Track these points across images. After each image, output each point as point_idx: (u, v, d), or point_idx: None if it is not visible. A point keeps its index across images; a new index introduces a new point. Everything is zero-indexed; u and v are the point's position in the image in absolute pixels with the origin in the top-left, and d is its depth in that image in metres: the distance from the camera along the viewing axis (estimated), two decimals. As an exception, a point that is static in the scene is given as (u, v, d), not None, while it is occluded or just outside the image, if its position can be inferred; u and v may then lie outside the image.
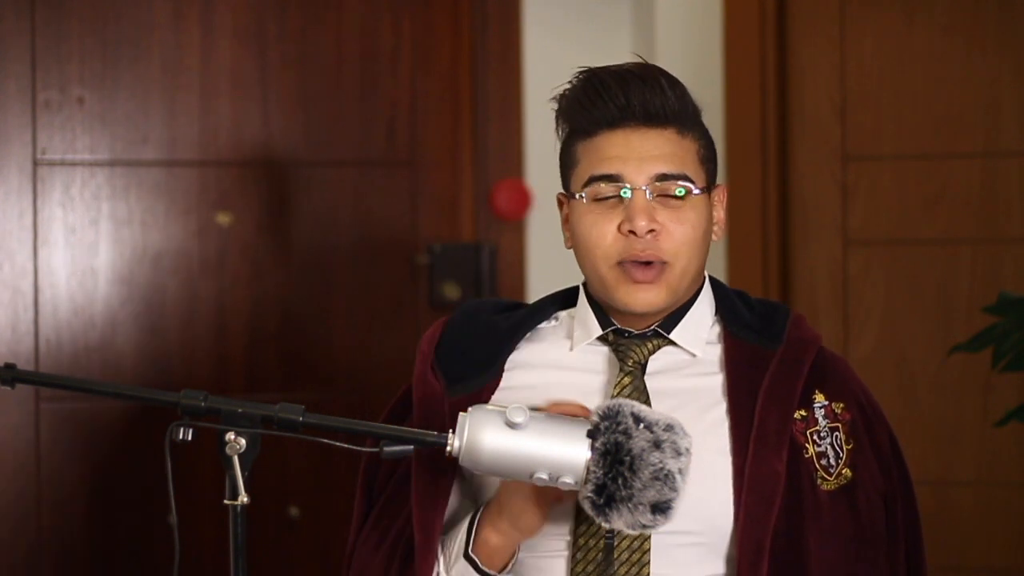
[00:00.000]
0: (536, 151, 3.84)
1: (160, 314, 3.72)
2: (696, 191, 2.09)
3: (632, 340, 2.13)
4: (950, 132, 3.68)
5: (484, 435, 1.86)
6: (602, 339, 2.15)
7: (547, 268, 3.82)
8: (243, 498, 1.83)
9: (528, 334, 2.19)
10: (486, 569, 2.03)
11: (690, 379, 2.13)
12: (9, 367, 1.89)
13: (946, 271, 3.68)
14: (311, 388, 3.78)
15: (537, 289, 3.78)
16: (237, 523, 1.84)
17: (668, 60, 3.72)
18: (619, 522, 1.85)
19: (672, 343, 2.13)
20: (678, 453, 1.86)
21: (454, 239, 3.87)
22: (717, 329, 2.17)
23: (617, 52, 3.95)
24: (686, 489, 1.87)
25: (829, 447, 2.09)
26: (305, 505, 3.78)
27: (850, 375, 2.17)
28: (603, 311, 2.14)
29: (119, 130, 3.72)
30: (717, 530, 2.05)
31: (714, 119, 3.75)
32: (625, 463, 1.84)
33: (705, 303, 2.17)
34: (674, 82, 2.12)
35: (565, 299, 2.23)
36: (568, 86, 2.13)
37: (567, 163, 2.14)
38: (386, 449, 1.89)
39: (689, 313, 2.14)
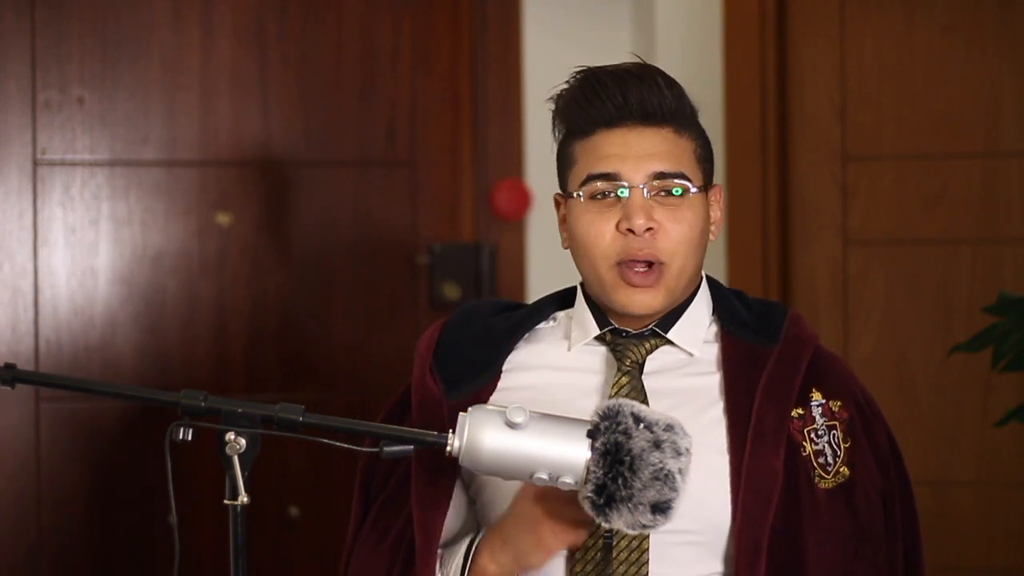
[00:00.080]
0: (536, 151, 3.84)
1: (160, 314, 3.72)
2: (693, 190, 2.10)
3: (630, 340, 2.13)
4: (950, 132, 3.68)
5: (484, 435, 1.86)
6: (600, 339, 2.15)
7: (547, 268, 3.82)
8: (243, 498, 1.83)
9: (526, 335, 2.20)
10: None
11: (687, 378, 2.13)
12: (9, 367, 1.89)
13: (946, 271, 3.68)
14: (311, 388, 3.78)
15: (537, 289, 3.78)
16: (237, 523, 1.84)
17: (668, 60, 3.73)
18: (619, 522, 1.85)
19: (669, 342, 2.14)
20: (678, 453, 1.86)
21: (454, 239, 3.87)
22: (714, 328, 2.17)
23: (617, 52, 3.95)
24: (685, 489, 1.87)
25: (827, 445, 2.09)
26: (305, 505, 3.78)
27: (848, 374, 2.17)
28: (600, 311, 2.15)
29: (119, 130, 3.72)
30: (715, 529, 2.05)
31: (714, 119, 3.76)
32: (625, 463, 1.84)
33: (702, 302, 2.17)
34: (671, 82, 2.13)
35: (563, 300, 2.23)
36: (565, 86, 2.14)
37: (564, 163, 2.14)
38: (386, 449, 1.89)
39: (686, 313, 2.15)
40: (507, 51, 3.88)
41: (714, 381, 2.13)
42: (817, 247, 3.75)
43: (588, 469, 1.85)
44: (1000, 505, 3.64)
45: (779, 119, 3.75)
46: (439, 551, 2.11)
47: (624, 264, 2.08)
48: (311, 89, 3.81)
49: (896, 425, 2.20)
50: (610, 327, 2.14)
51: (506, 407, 1.88)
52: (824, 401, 2.12)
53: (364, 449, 1.96)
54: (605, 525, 1.88)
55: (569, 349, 2.17)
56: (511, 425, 1.86)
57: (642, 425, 1.86)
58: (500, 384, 2.15)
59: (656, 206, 2.08)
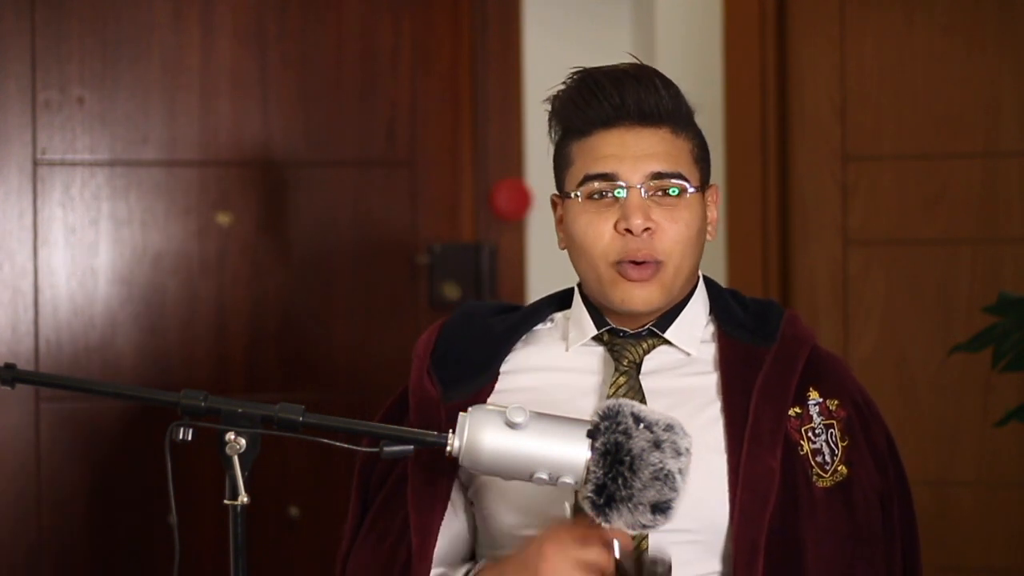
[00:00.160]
0: (536, 151, 3.84)
1: (160, 314, 3.72)
2: (691, 190, 2.10)
3: (627, 340, 2.13)
4: (950, 132, 3.68)
5: (484, 435, 1.87)
6: (597, 339, 2.16)
7: (547, 268, 3.82)
8: (243, 498, 1.83)
9: (524, 337, 2.20)
10: None
11: (685, 378, 2.13)
12: (9, 367, 1.89)
13: (946, 271, 3.68)
14: (311, 388, 3.78)
15: (537, 289, 3.78)
16: (237, 523, 1.84)
17: (668, 60, 3.73)
18: (619, 522, 1.85)
19: (667, 342, 2.14)
20: (678, 453, 1.86)
21: (454, 239, 3.87)
22: (711, 328, 2.18)
23: (617, 52, 3.95)
24: (685, 489, 1.87)
25: (824, 444, 2.10)
26: (305, 505, 3.78)
27: (845, 373, 2.18)
28: (598, 311, 2.15)
29: (119, 130, 3.72)
30: (713, 528, 2.06)
31: (714, 119, 3.75)
32: (625, 463, 1.84)
33: (699, 302, 2.18)
34: (668, 83, 2.13)
35: (561, 301, 2.23)
36: (562, 87, 2.14)
37: (561, 163, 2.15)
38: (386, 449, 1.89)
39: (683, 312, 2.15)
40: (507, 51, 3.88)
41: (711, 381, 2.13)
42: (817, 247, 3.75)
43: (588, 469, 1.85)
44: (1000, 505, 3.64)
45: (779, 119, 3.75)
46: (443, 572, 2.11)
47: (622, 263, 2.08)
48: (311, 89, 3.81)
49: (896, 425, 2.21)
50: (607, 327, 2.14)
51: (506, 407, 1.88)
52: (821, 400, 2.12)
53: (364, 449, 1.96)
54: (605, 525, 1.88)
55: (567, 350, 2.17)
56: (511, 425, 1.86)
57: (642, 425, 1.86)
58: (498, 386, 2.16)
59: (653, 206, 2.08)
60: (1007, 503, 3.64)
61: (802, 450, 2.08)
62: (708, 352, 2.16)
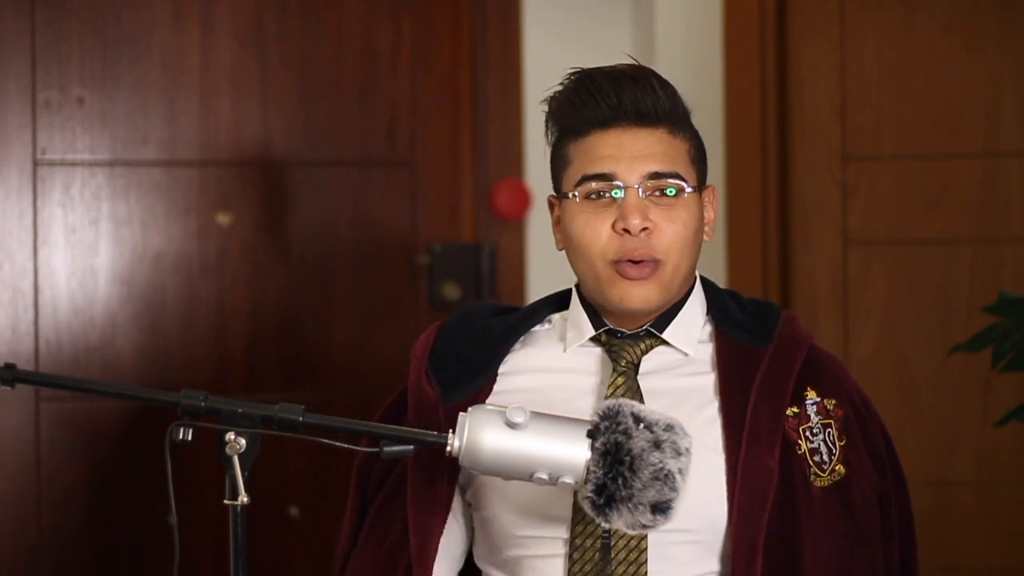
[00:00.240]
0: (536, 151, 3.84)
1: (160, 314, 3.72)
2: (688, 190, 2.11)
3: (625, 340, 2.14)
4: (950, 132, 3.68)
5: (484, 435, 1.87)
6: (595, 340, 2.16)
7: (547, 268, 3.82)
8: (243, 498, 1.83)
9: (522, 338, 2.20)
10: None
11: (683, 378, 2.13)
12: (9, 367, 1.89)
13: (946, 271, 3.68)
14: (311, 388, 3.78)
15: (537, 289, 3.78)
16: (237, 523, 1.84)
17: (668, 60, 3.73)
18: (619, 522, 1.85)
19: (664, 343, 2.14)
20: (678, 453, 1.86)
21: (454, 239, 3.87)
22: (709, 328, 2.18)
23: (617, 52, 3.95)
24: (685, 489, 1.87)
25: (822, 443, 2.10)
26: (305, 505, 3.78)
27: (842, 373, 2.18)
28: (596, 312, 2.15)
29: (119, 130, 3.72)
30: (713, 528, 2.06)
31: (714, 119, 3.75)
32: (625, 463, 1.84)
33: (696, 302, 2.18)
34: (665, 83, 2.14)
35: (559, 302, 2.24)
36: (559, 88, 2.14)
37: (559, 164, 2.15)
38: (386, 449, 1.89)
39: (681, 313, 2.15)
40: (507, 51, 3.88)
41: (709, 381, 2.13)
42: (817, 247, 3.75)
43: (588, 469, 1.85)
44: (1000, 505, 3.64)
45: (779, 119, 3.75)
46: None
47: (621, 262, 2.08)
48: (311, 89, 3.81)
49: (896, 425, 2.21)
50: (605, 328, 2.14)
51: (506, 407, 1.88)
52: (819, 399, 2.12)
53: (363, 449, 1.96)
54: (605, 525, 1.88)
55: (564, 351, 2.18)
56: (511, 425, 1.86)
57: (642, 425, 1.86)
58: (496, 387, 2.16)
59: (651, 206, 2.08)
60: (1007, 503, 3.64)
61: (800, 450, 2.09)
62: (706, 352, 2.16)
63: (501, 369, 2.17)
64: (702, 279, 2.22)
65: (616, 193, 2.08)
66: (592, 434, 1.87)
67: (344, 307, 3.82)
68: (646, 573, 2.04)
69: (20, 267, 3.66)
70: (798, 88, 3.77)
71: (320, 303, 3.81)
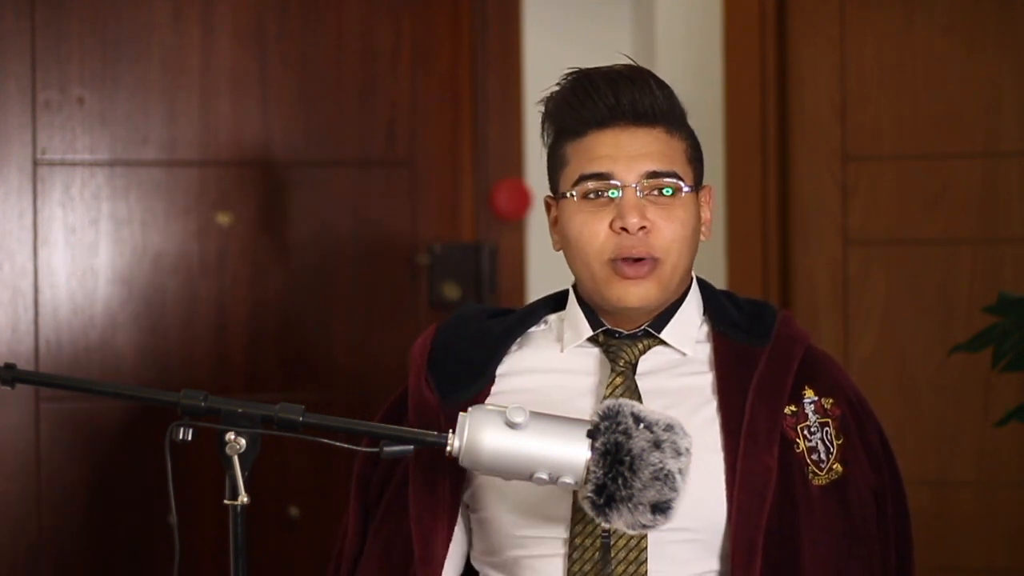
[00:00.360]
0: (536, 151, 3.83)
1: (160, 314, 3.72)
2: (685, 189, 2.11)
3: (623, 340, 2.14)
4: (950, 132, 3.68)
5: (484, 435, 1.87)
6: (592, 340, 2.16)
7: (547, 268, 3.82)
8: (243, 498, 1.84)
9: (519, 339, 2.21)
10: None
11: (681, 378, 2.14)
12: (9, 367, 1.89)
13: (946, 271, 3.68)
14: (311, 388, 3.78)
15: (537, 289, 3.78)
16: (237, 523, 1.84)
17: (668, 60, 3.73)
18: (619, 522, 1.85)
19: (662, 343, 2.15)
20: (678, 453, 1.86)
21: (454, 239, 3.87)
22: (706, 328, 2.19)
23: (617, 52, 3.95)
24: (685, 488, 1.87)
25: (819, 442, 2.11)
26: (305, 505, 3.78)
27: (839, 372, 2.19)
28: (593, 312, 2.15)
29: (119, 130, 3.72)
30: (712, 527, 2.06)
31: (714, 119, 3.75)
32: (625, 463, 1.84)
33: (693, 303, 2.18)
34: (662, 83, 2.14)
35: (555, 303, 2.24)
36: (555, 88, 2.15)
37: (556, 164, 2.16)
38: (386, 449, 1.89)
39: (678, 313, 2.16)
40: (507, 51, 3.88)
41: (707, 380, 2.14)
42: (817, 247, 3.75)
43: (588, 469, 1.86)
44: (1000, 505, 3.64)
45: (779, 119, 3.75)
46: None
47: (617, 261, 2.08)
48: (311, 89, 3.81)
49: (896, 425, 2.21)
50: (603, 328, 2.15)
51: (506, 407, 1.88)
52: (816, 398, 2.13)
53: (364, 449, 1.96)
54: (605, 525, 1.88)
55: (562, 351, 2.18)
56: (511, 425, 1.86)
57: (642, 425, 1.86)
58: (494, 389, 2.16)
59: (649, 205, 2.09)
60: (1007, 503, 3.64)
61: (798, 448, 2.09)
62: (703, 352, 2.16)
63: (499, 370, 2.17)
64: (698, 280, 2.22)
65: (614, 193, 2.09)
66: (592, 434, 1.87)
67: (344, 307, 3.82)
68: (646, 572, 2.04)
69: (20, 267, 3.66)
70: (798, 88, 3.77)
71: (320, 303, 3.81)
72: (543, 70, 3.86)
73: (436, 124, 3.88)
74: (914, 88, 3.70)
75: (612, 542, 2.04)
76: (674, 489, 1.85)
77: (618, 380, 2.11)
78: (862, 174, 3.73)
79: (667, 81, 2.17)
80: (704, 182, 2.20)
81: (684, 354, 2.15)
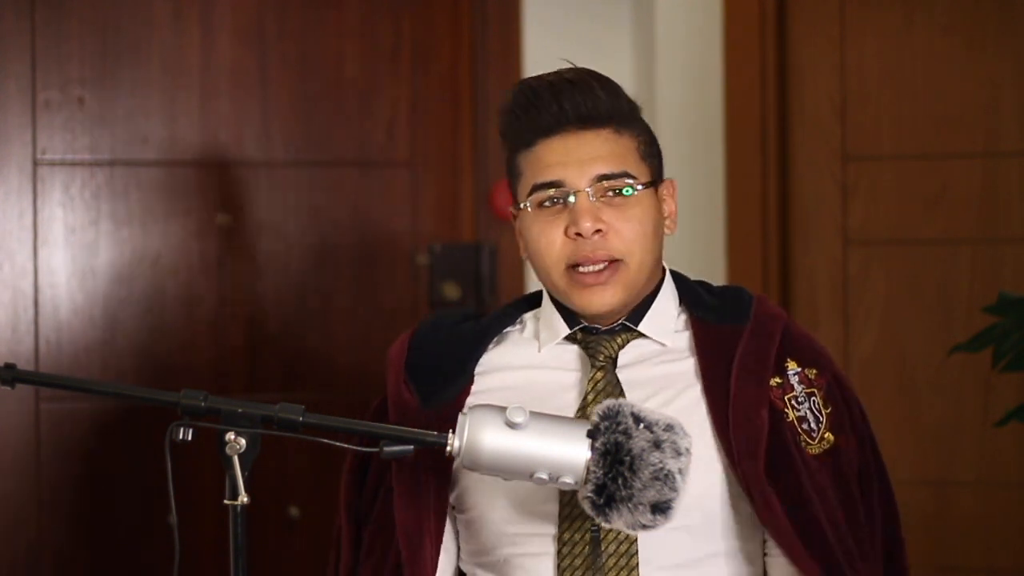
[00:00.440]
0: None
1: (160, 314, 3.72)
2: (639, 187, 2.11)
3: (601, 336, 2.15)
4: (950, 132, 3.68)
5: (484, 435, 1.87)
6: (570, 338, 2.16)
7: (547, 268, 3.81)
8: (243, 498, 1.84)
9: (495, 338, 2.21)
10: None
11: (662, 366, 2.15)
12: (9, 367, 1.89)
13: (946, 271, 3.68)
14: (311, 388, 3.78)
15: (537, 289, 3.78)
16: (237, 523, 1.84)
17: (668, 60, 3.73)
18: (619, 522, 1.86)
19: (641, 335, 2.15)
20: (678, 453, 1.86)
21: (454, 239, 3.87)
22: (683, 317, 2.19)
23: (617, 52, 3.96)
24: (685, 488, 1.87)
25: (808, 411, 2.11)
26: (305, 505, 3.78)
27: (819, 345, 2.20)
28: (568, 311, 2.16)
29: (119, 130, 3.72)
30: (704, 508, 2.06)
31: (714, 119, 3.75)
32: (625, 463, 1.84)
33: (668, 293, 2.19)
34: (606, 82, 2.14)
35: (530, 302, 2.25)
36: (504, 102, 2.16)
37: (512, 176, 2.17)
38: (386, 449, 1.89)
39: (654, 305, 2.17)
40: (507, 51, 3.88)
41: (689, 365, 2.15)
42: (817, 247, 3.75)
43: (588, 469, 1.86)
44: (1000, 505, 3.64)
45: (779, 119, 3.75)
46: None
47: (576, 268, 2.09)
48: (311, 89, 3.81)
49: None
50: (580, 326, 2.15)
51: (506, 407, 1.88)
52: (800, 369, 2.14)
53: (364, 449, 1.97)
54: (605, 525, 1.88)
55: (539, 350, 2.18)
56: (511, 425, 1.86)
57: (642, 425, 1.86)
58: (474, 387, 2.17)
59: (604, 207, 2.09)
60: (1007, 503, 3.64)
61: (788, 418, 2.10)
62: (683, 340, 2.17)
63: (477, 369, 2.18)
64: (671, 271, 2.23)
65: (570, 199, 2.09)
66: (592, 434, 1.87)
67: (344, 307, 3.82)
68: (637, 564, 2.04)
69: (20, 267, 3.66)
70: (798, 88, 3.77)
71: (320, 303, 3.81)
72: (543, 70, 3.87)
73: (436, 124, 3.88)
74: (914, 88, 3.70)
75: (602, 535, 2.04)
76: (674, 489, 1.85)
77: (599, 375, 2.12)
78: (862, 174, 3.73)
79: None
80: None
81: (663, 344, 2.16)
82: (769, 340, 2.13)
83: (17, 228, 3.67)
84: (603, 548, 2.04)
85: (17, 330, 3.65)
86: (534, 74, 2.19)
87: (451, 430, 1.89)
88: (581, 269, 2.09)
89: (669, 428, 1.87)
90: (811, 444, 2.10)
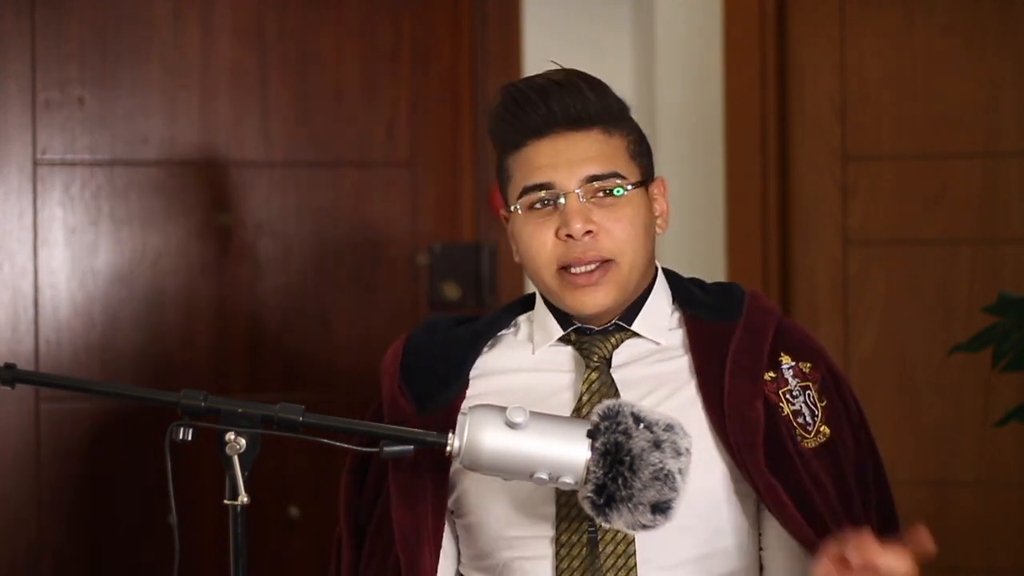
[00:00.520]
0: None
1: (160, 314, 3.72)
2: (629, 187, 2.11)
3: (595, 337, 2.15)
4: (950, 132, 3.68)
5: (484, 435, 1.87)
6: (564, 339, 2.16)
7: (547, 268, 3.81)
8: (243, 498, 1.84)
9: (489, 342, 2.21)
10: None
11: (656, 365, 2.15)
12: (9, 367, 1.89)
13: (946, 271, 3.68)
14: (311, 388, 3.78)
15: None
16: (237, 523, 1.84)
17: (668, 60, 3.73)
18: (619, 522, 1.86)
19: (635, 334, 2.15)
20: (678, 453, 1.86)
21: (454, 239, 3.87)
22: (677, 315, 2.20)
23: (617, 52, 3.96)
24: (685, 488, 1.87)
25: (803, 405, 2.11)
26: (305, 505, 3.78)
27: (813, 339, 2.20)
28: (561, 312, 2.16)
29: (119, 130, 3.72)
30: (702, 510, 2.06)
31: (714, 119, 3.75)
32: (625, 463, 1.84)
33: (661, 292, 2.19)
34: (593, 83, 2.14)
35: (523, 305, 2.25)
36: (493, 105, 2.16)
37: (503, 179, 2.17)
38: (386, 449, 1.89)
39: (647, 304, 2.17)
40: (507, 51, 3.88)
41: (683, 363, 2.15)
42: (817, 247, 3.75)
43: (588, 469, 1.86)
44: (1001, 505, 3.64)
45: (779, 119, 3.75)
46: None
47: (566, 269, 2.09)
48: (311, 89, 3.81)
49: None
50: (574, 327, 2.15)
51: (506, 407, 1.88)
52: (794, 363, 2.14)
53: (364, 449, 1.97)
54: (605, 525, 1.88)
55: (533, 352, 2.18)
56: (511, 425, 1.86)
57: (642, 425, 1.86)
58: (469, 392, 2.17)
59: (594, 208, 2.10)
60: (1007, 503, 3.64)
61: (783, 412, 2.10)
62: (676, 338, 2.17)
63: (472, 373, 2.18)
64: (664, 270, 2.23)
65: (560, 201, 2.09)
66: (592, 434, 1.87)
67: (344, 307, 3.82)
68: (635, 565, 2.04)
69: (20, 267, 3.66)
70: (798, 88, 3.77)
71: (320, 303, 3.81)
72: (543, 70, 3.87)
73: (436, 124, 3.88)
74: (914, 88, 3.69)
75: (599, 536, 2.04)
76: (674, 489, 1.85)
77: (593, 376, 2.12)
78: (862, 174, 3.73)
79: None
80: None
81: (657, 343, 2.16)
82: (762, 336, 2.14)
83: (17, 228, 3.67)
84: (601, 549, 2.04)
85: (17, 330, 3.65)
86: (534, 74, 2.19)
87: (451, 430, 1.89)
88: (573, 270, 2.09)
89: (669, 428, 1.87)
90: (807, 438, 2.10)
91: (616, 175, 2.11)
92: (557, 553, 2.06)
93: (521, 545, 2.09)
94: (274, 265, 3.78)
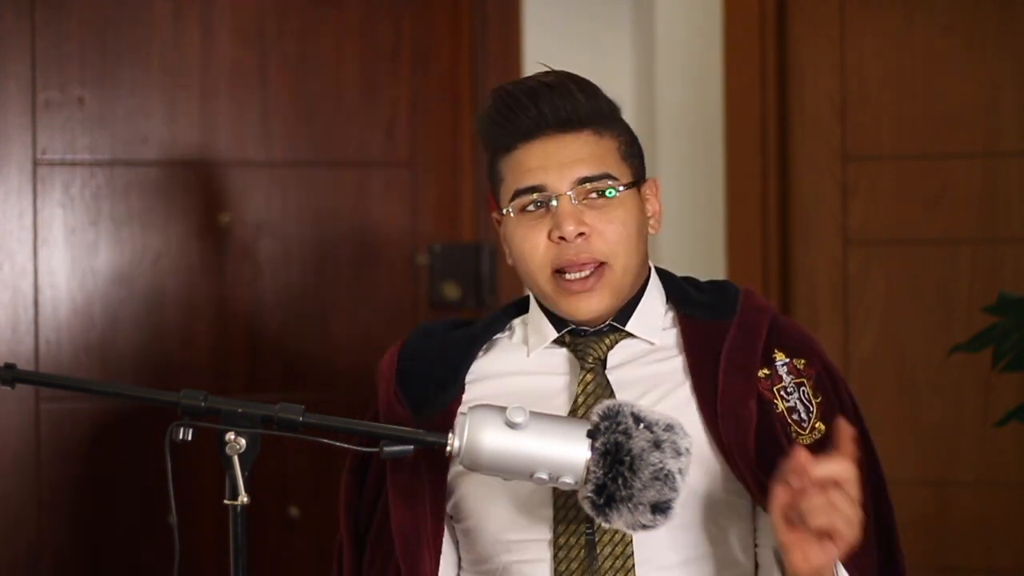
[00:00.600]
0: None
1: (160, 314, 3.72)
2: (621, 188, 2.11)
3: (589, 338, 2.15)
4: (950, 132, 3.68)
5: (484, 435, 1.87)
6: (558, 341, 2.16)
7: (547, 268, 3.81)
8: (243, 498, 1.84)
9: (484, 346, 2.21)
10: None
11: (651, 365, 2.15)
12: (9, 367, 1.89)
13: (946, 271, 3.68)
14: (311, 388, 3.78)
15: (537, 289, 3.78)
16: (237, 523, 1.84)
17: (668, 60, 3.73)
18: (619, 522, 1.86)
19: (630, 335, 2.15)
20: (678, 453, 1.86)
21: (454, 239, 3.87)
22: (671, 315, 2.20)
23: (617, 52, 3.95)
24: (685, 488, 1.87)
25: (798, 401, 2.11)
26: (305, 505, 3.78)
27: (807, 336, 2.19)
28: (555, 314, 2.16)
29: (119, 130, 3.72)
30: (700, 509, 2.06)
31: (714, 119, 3.75)
32: (625, 463, 1.84)
33: (654, 292, 2.19)
34: (584, 84, 2.14)
35: (518, 308, 2.25)
36: (483, 108, 2.16)
37: (495, 182, 2.18)
38: (386, 449, 1.89)
39: (641, 304, 2.17)
40: (507, 51, 3.88)
41: (678, 363, 2.15)
42: (817, 247, 3.75)
43: (588, 469, 1.86)
44: (1001, 505, 3.64)
45: (779, 119, 3.75)
46: None
47: (561, 273, 2.09)
48: (311, 89, 3.81)
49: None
50: (568, 328, 2.15)
51: (506, 407, 1.88)
52: (788, 360, 2.14)
53: (364, 449, 1.97)
54: (605, 525, 1.88)
55: (528, 355, 2.18)
56: (511, 425, 1.86)
57: (642, 425, 1.86)
58: (465, 396, 2.17)
59: (586, 210, 2.10)
60: (1007, 503, 3.64)
61: (778, 409, 2.09)
62: (671, 338, 2.17)
63: (468, 378, 2.18)
64: (657, 269, 2.23)
65: (553, 203, 2.09)
66: (592, 434, 1.87)
67: (344, 307, 3.82)
68: (633, 565, 2.04)
69: (20, 267, 3.66)
70: (798, 88, 3.77)
71: (320, 303, 3.81)
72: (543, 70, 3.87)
73: (436, 124, 3.88)
74: (914, 88, 3.70)
75: (597, 537, 2.04)
76: (674, 489, 1.85)
77: (588, 377, 2.12)
78: (862, 174, 3.73)
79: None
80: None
81: (652, 343, 2.16)
82: (756, 333, 2.14)
83: (17, 228, 3.67)
84: (599, 550, 2.04)
85: (17, 330, 3.65)
86: (524, 77, 2.19)
87: (451, 430, 1.89)
88: (568, 276, 2.09)
89: (669, 428, 1.87)
90: (802, 435, 2.09)
91: (607, 176, 2.11)
92: (555, 555, 2.06)
93: (519, 548, 2.09)
94: (274, 265, 3.78)
